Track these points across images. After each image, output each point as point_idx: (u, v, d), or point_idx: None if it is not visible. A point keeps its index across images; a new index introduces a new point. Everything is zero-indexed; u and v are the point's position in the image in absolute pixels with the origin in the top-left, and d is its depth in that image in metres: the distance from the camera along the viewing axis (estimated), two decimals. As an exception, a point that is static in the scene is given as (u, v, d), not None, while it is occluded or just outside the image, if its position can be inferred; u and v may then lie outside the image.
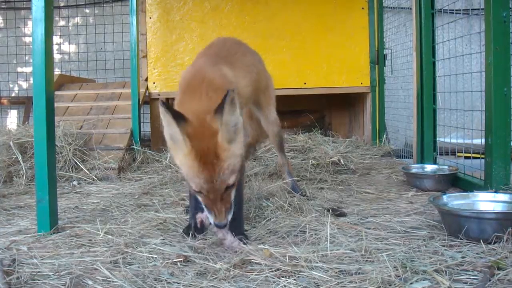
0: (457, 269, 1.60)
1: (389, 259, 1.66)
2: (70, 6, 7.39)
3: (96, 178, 3.63)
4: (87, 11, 7.41)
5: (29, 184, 3.42)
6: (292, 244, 1.87)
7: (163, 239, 2.02)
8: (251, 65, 2.51)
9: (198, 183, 1.70)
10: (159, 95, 5.05)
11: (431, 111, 3.63)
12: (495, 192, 2.38)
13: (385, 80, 5.30)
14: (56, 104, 2.93)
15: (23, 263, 1.78)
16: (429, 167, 3.36)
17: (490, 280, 1.50)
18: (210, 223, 1.82)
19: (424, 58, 3.62)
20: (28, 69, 7.28)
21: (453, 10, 4.73)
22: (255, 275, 1.59)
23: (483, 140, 2.77)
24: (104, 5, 7.30)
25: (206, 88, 1.85)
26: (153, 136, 5.09)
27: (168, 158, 4.00)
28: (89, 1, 7.39)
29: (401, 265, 1.59)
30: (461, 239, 1.88)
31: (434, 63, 3.62)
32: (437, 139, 3.66)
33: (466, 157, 3.76)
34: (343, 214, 2.40)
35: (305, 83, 5.18)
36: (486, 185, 2.70)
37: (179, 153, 1.71)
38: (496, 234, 1.82)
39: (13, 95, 7.43)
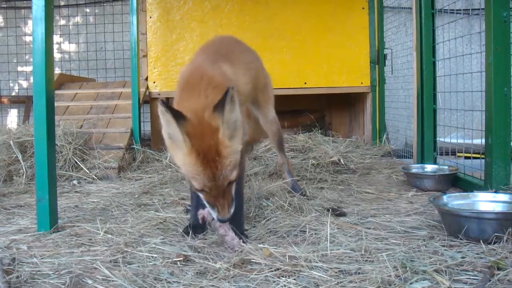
0: (457, 269, 1.60)
1: (389, 259, 1.66)
2: (70, 5, 7.39)
3: (96, 177, 3.63)
4: (88, 10, 7.41)
5: (29, 183, 3.42)
6: (292, 244, 1.87)
7: (163, 239, 2.02)
8: (250, 62, 2.50)
9: (201, 181, 1.70)
10: (159, 94, 5.05)
11: (431, 111, 3.63)
12: (495, 192, 2.38)
13: (385, 80, 5.30)
14: (56, 103, 2.93)
15: (23, 262, 1.78)
16: (429, 167, 3.35)
17: (490, 280, 1.49)
18: (213, 219, 1.82)
19: (424, 58, 3.62)
20: (29, 68, 7.28)
21: (453, 10, 4.73)
22: (255, 274, 1.59)
23: (483, 140, 2.77)
24: (104, 4, 7.30)
25: (205, 85, 1.84)
26: (153, 135, 5.09)
27: (168, 157, 4.00)
28: (89, 1, 7.39)
29: (401, 265, 1.59)
30: (461, 239, 1.88)
31: (434, 63, 3.62)
32: (437, 139, 3.66)
33: (466, 157, 3.77)
34: (343, 214, 2.40)
35: (305, 83, 5.18)
36: (486, 185, 2.70)
37: (179, 153, 1.71)
38: (496, 234, 1.82)
39: (13, 94, 7.43)
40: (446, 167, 3.25)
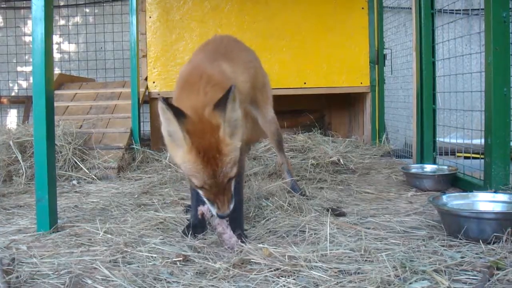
0: (457, 269, 1.60)
1: (389, 259, 1.66)
2: (70, 5, 7.38)
3: (95, 178, 3.63)
4: (87, 10, 7.41)
5: (29, 183, 3.42)
6: (291, 244, 1.87)
7: (163, 239, 2.02)
8: (249, 62, 2.50)
9: (201, 179, 1.70)
10: (158, 94, 5.04)
11: (431, 111, 3.63)
12: (495, 192, 2.38)
13: (385, 80, 5.30)
14: (55, 104, 2.93)
15: (22, 262, 1.78)
16: (429, 167, 3.36)
17: (489, 280, 1.50)
18: (212, 215, 1.83)
19: (424, 58, 3.62)
20: (28, 69, 7.27)
21: (453, 10, 4.73)
22: (255, 274, 1.59)
23: (483, 140, 2.77)
24: (104, 4, 7.29)
25: (204, 83, 1.84)
26: (152, 135, 5.09)
27: (167, 157, 4.00)
28: (89, 1, 7.38)
29: (400, 265, 1.59)
30: (460, 239, 1.89)
31: (434, 63, 3.62)
32: (437, 139, 3.66)
33: (465, 157, 3.77)
34: (342, 214, 2.40)
35: (305, 83, 5.18)
36: (486, 185, 2.70)
37: (179, 150, 1.71)
38: (495, 234, 1.83)
39: (13, 94, 7.42)
40: (446, 167, 3.25)
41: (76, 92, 5.09)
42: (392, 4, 5.82)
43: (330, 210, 2.39)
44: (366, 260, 1.70)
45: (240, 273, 1.62)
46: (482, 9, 2.86)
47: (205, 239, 2.04)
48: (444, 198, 2.23)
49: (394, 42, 5.54)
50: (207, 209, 1.85)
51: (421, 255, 1.73)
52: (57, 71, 6.71)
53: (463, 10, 6.22)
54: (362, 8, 5.20)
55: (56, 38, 7.13)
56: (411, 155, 3.99)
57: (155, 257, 1.79)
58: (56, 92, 4.87)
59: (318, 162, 3.70)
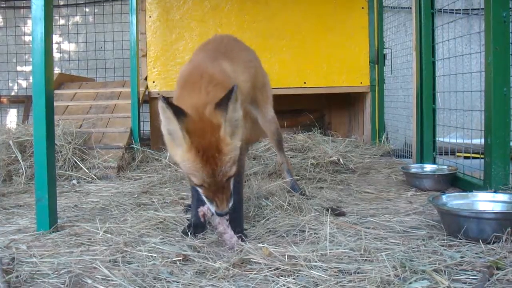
0: (456, 269, 1.60)
1: (388, 258, 1.66)
2: (69, 5, 7.38)
3: (95, 177, 3.63)
4: (87, 10, 7.40)
5: (29, 183, 3.42)
6: (291, 243, 1.87)
7: (163, 238, 2.02)
8: (249, 61, 2.50)
9: (200, 177, 1.70)
10: (158, 94, 5.04)
11: (431, 111, 3.63)
12: (495, 192, 2.39)
13: (385, 80, 5.30)
14: (55, 103, 2.93)
15: (22, 262, 1.78)
16: (429, 167, 3.36)
17: (489, 280, 1.50)
18: (212, 214, 1.83)
19: (423, 57, 3.62)
20: (28, 68, 7.27)
21: (453, 10, 4.72)
22: (254, 274, 1.59)
23: (483, 140, 2.77)
24: (104, 4, 7.29)
25: (206, 83, 1.84)
26: (152, 135, 5.09)
27: (167, 157, 4.00)
28: (88, 0, 7.38)
29: (400, 264, 1.59)
30: (460, 239, 1.89)
31: (433, 63, 3.62)
32: (437, 139, 3.66)
33: (465, 157, 3.76)
34: (342, 214, 2.40)
35: (305, 83, 5.18)
36: (486, 185, 2.70)
37: (178, 149, 1.71)
38: (495, 234, 1.83)
39: (12, 94, 7.42)
40: (446, 167, 3.26)
41: (76, 92, 5.09)
42: (392, 4, 5.82)
43: (330, 209, 2.39)
44: (366, 259, 1.70)
45: (240, 273, 1.62)
46: (482, 9, 2.86)
47: (205, 238, 2.04)
48: (444, 198, 2.23)
49: (394, 42, 5.54)
50: (207, 209, 1.85)
51: (421, 254, 1.73)
52: (57, 70, 6.71)
53: (463, 10, 6.21)
54: (362, 8, 5.20)
55: (56, 38, 7.13)
56: (411, 155, 3.99)
57: (155, 256, 1.79)
58: (56, 91, 4.88)
59: (318, 161, 3.70)
